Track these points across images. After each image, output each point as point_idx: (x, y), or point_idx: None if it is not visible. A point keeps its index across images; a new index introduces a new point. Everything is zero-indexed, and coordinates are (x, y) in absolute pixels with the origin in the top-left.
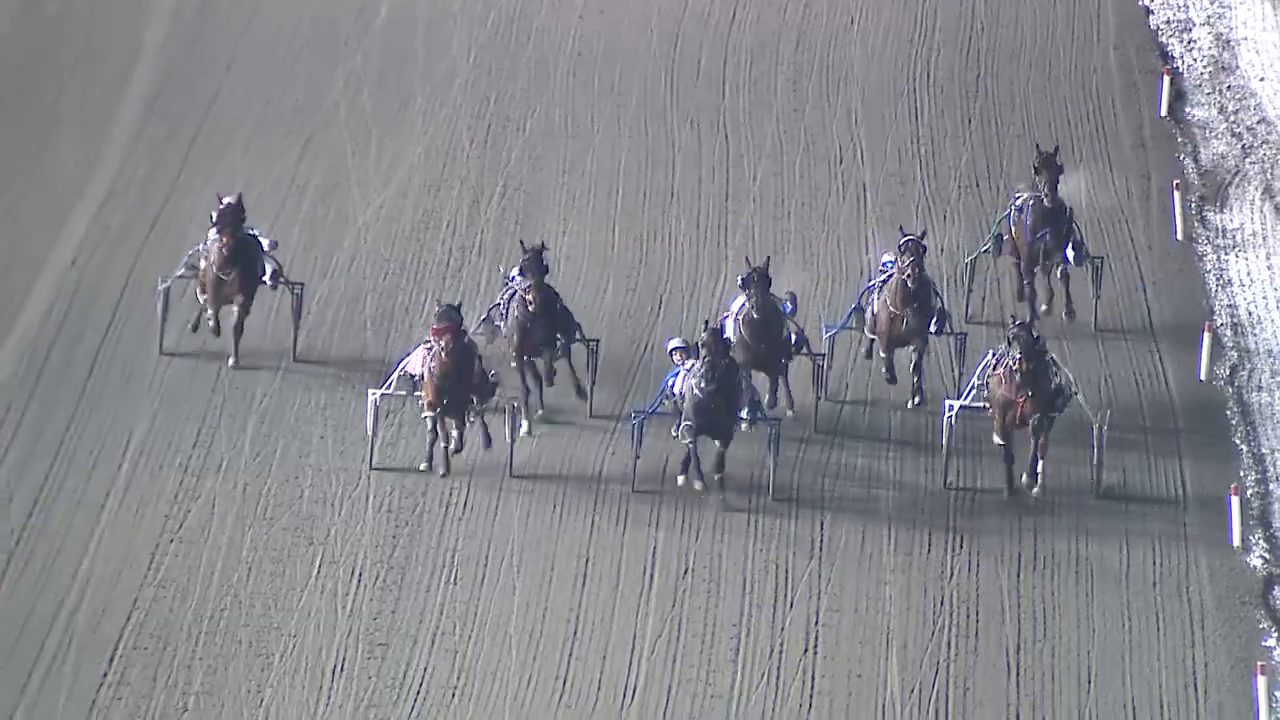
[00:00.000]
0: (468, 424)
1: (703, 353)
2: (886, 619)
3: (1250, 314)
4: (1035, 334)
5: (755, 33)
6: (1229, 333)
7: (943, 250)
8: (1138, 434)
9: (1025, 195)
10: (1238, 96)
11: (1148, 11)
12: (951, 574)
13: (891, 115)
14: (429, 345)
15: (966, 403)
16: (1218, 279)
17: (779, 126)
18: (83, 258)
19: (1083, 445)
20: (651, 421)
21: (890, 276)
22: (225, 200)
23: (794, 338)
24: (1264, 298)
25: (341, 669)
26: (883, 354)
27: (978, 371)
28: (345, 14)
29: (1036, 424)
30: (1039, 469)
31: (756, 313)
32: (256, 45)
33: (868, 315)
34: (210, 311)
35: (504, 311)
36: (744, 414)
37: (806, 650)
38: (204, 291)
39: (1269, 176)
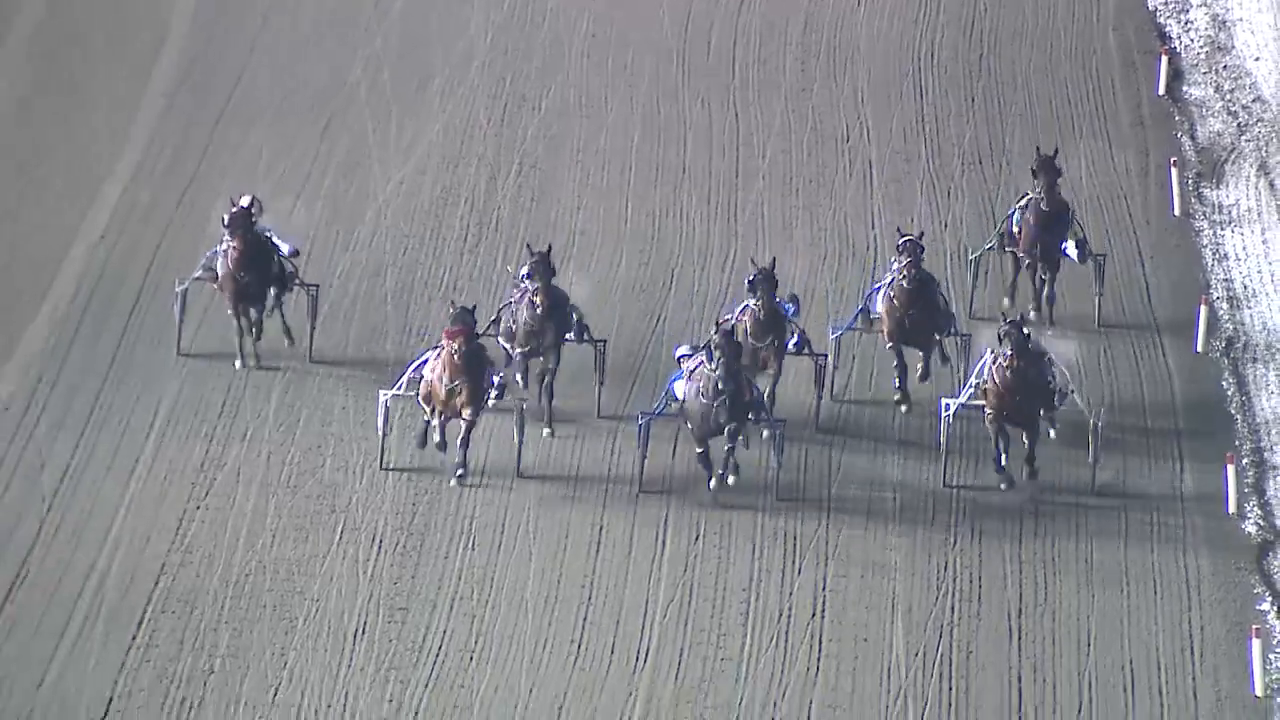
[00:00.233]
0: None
1: (716, 354)
2: (892, 584)
3: (1245, 288)
4: (1027, 332)
5: (764, 14)
6: (1225, 306)
7: (946, 226)
8: (1135, 405)
9: (1028, 196)
10: (1233, 76)
11: None
12: (955, 541)
13: (897, 94)
14: (440, 348)
15: (964, 401)
16: (1214, 253)
17: (787, 106)
18: (112, 233)
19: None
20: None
21: (894, 278)
22: (238, 203)
23: (796, 339)
24: (1259, 272)
25: (363, 632)
26: (889, 348)
27: (975, 370)
28: None
29: (1028, 421)
30: (1034, 463)
31: (762, 314)
32: (279, 29)
33: (874, 316)
34: (237, 323)
35: (513, 313)
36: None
37: (814, 615)
38: (223, 293)
39: (1264, 154)
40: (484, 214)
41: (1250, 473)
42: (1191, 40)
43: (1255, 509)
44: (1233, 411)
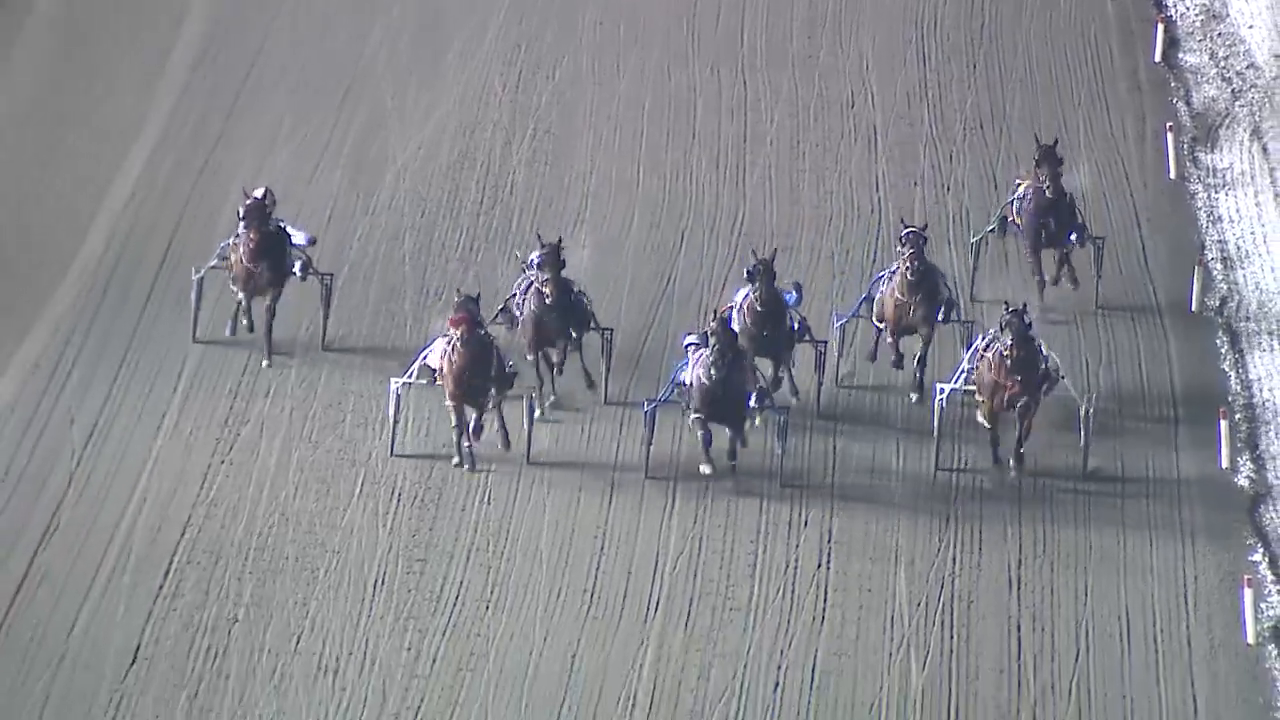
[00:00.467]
0: (486, 414)
1: (711, 341)
2: (895, 537)
3: (1239, 248)
4: (1027, 321)
5: None
6: (1219, 266)
7: (948, 189)
8: (1132, 362)
9: (1027, 184)
10: (1228, 43)
11: None
12: (956, 495)
13: (900, 62)
14: (448, 337)
15: (957, 386)
16: (1208, 215)
17: (794, 72)
18: (138, 197)
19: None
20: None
21: (897, 267)
22: (252, 195)
23: (797, 326)
24: (1252, 233)
25: (382, 583)
26: (889, 340)
27: (968, 356)
28: None
29: (1023, 408)
30: (1021, 451)
31: (761, 303)
32: (299, 0)
33: (876, 303)
34: (244, 303)
35: (520, 302)
36: (752, 402)
37: (820, 566)
38: (236, 283)
39: (1257, 119)
40: (499, 178)
41: (1243, 427)
42: (1187, 8)
43: (1248, 463)
44: (1226, 368)
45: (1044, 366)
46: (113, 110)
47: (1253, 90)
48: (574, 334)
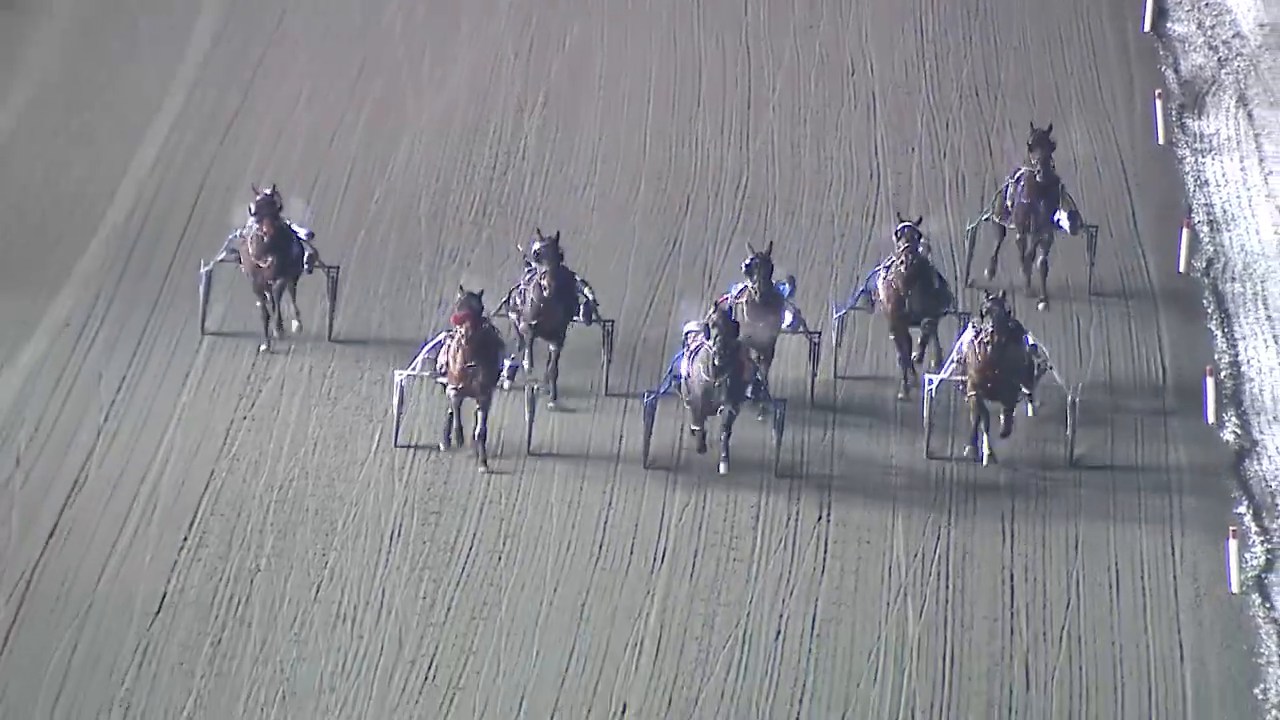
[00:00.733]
0: (489, 411)
1: (713, 333)
2: (893, 491)
3: (1225, 211)
4: (1008, 308)
5: None
6: (1206, 229)
7: (945, 155)
8: (1121, 322)
9: (1021, 169)
10: (1214, 13)
11: None
12: (952, 453)
13: (899, 31)
14: (452, 332)
15: (946, 376)
16: (1195, 180)
17: (796, 41)
18: (162, 164)
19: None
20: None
21: (893, 261)
22: (261, 191)
23: (792, 318)
24: (1237, 197)
25: (399, 534)
26: (890, 336)
27: (956, 345)
28: None
29: (1007, 397)
30: (1008, 434)
31: (759, 297)
32: None
33: (874, 298)
34: (257, 297)
35: (522, 294)
36: (749, 394)
37: (820, 518)
38: (249, 277)
39: (1242, 86)
40: (511, 144)
41: (1228, 385)
42: None
43: (1233, 419)
44: (1212, 327)
45: (1030, 356)
46: (137, 81)
47: (1238, 59)
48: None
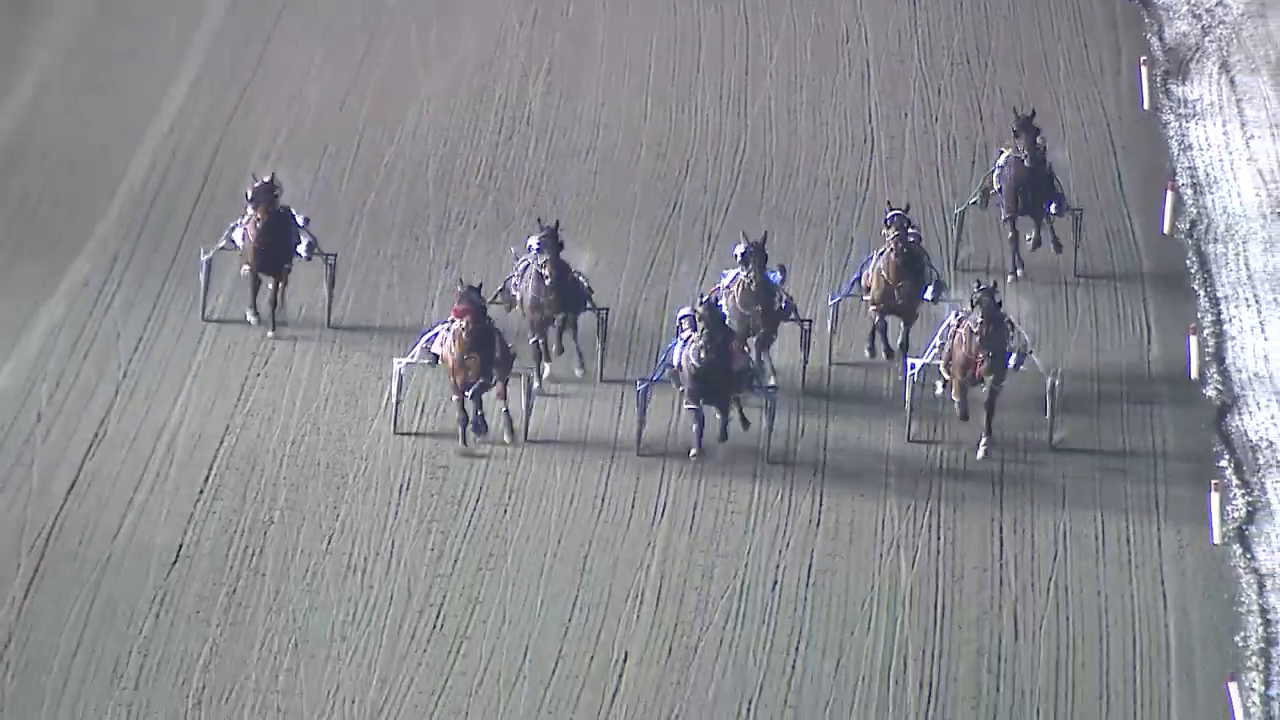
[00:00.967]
0: (489, 401)
1: (700, 325)
2: (886, 447)
3: (1208, 175)
4: (997, 298)
5: None
6: (1189, 192)
7: (936, 120)
8: (1107, 281)
9: (1007, 154)
10: None
11: None
12: (943, 412)
13: (892, 1)
14: (451, 324)
15: (928, 361)
16: (1179, 144)
17: (792, 10)
18: (177, 130)
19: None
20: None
21: (883, 249)
22: (260, 178)
23: (784, 305)
24: (1220, 161)
25: (407, 487)
26: (875, 320)
27: (939, 331)
28: None
29: (993, 383)
30: (989, 428)
31: (753, 285)
32: None
33: (865, 284)
34: (252, 282)
35: (519, 284)
36: (741, 382)
37: (815, 473)
38: (246, 264)
39: (1225, 53)
40: (517, 109)
41: (1211, 342)
42: None
43: (1215, 375)
44: (1195, 287)
45: (1013, 343)
46: (154, 48)
47: (1221, 26)
48: (572, 314)
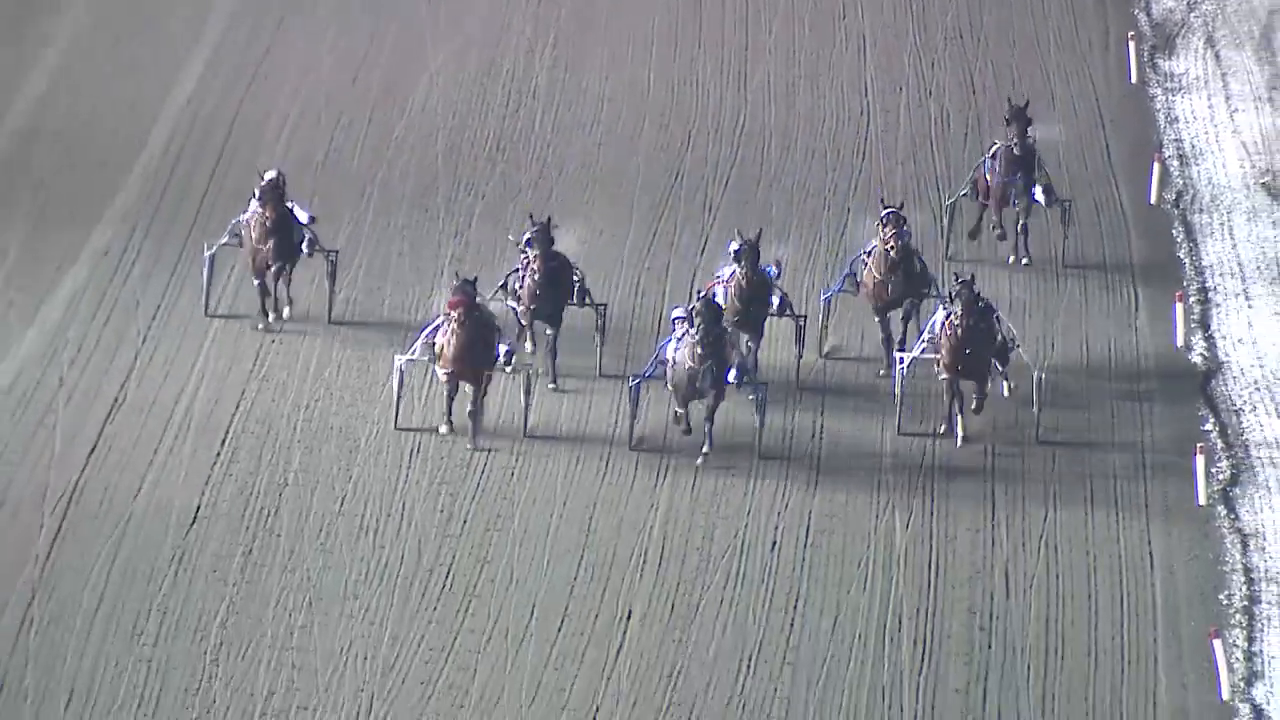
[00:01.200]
0: (482, 396)
1: (697, 321)
2: (882, 411)
3: (1193, 147)
4: (978, 291)
5: None
6: (1175, 163)
7: (930, 93)
8: (1096, 250)
9: (998, 144)
10: None
11: None
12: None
13: None
14: (447, 316)
15: (917, 354)
16: (1166, 117)
17: None
18: (195, 103)
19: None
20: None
21: (876, 246)
22: (266, 176)
23: (778, 301)
24: (1205, 133)
25: (417, 451)
26: (875, 318)
27: (928, 325)
28: None
29: (979, 376)
30: (975, 411)
31: (747, 281)
32: None
33: (859, 282)
34: (255, 280)
35: (519, 279)
36: (731, 378)
37: (813, 436)
38: (249, 260)
39: (1210, 28)
40: (523, 83)
41: (1196, 310)
42: None
43: (1200, 342)
44: (1181, 256)
45: (1000, 335)
46: (171, 25)
47: (1206, 2)
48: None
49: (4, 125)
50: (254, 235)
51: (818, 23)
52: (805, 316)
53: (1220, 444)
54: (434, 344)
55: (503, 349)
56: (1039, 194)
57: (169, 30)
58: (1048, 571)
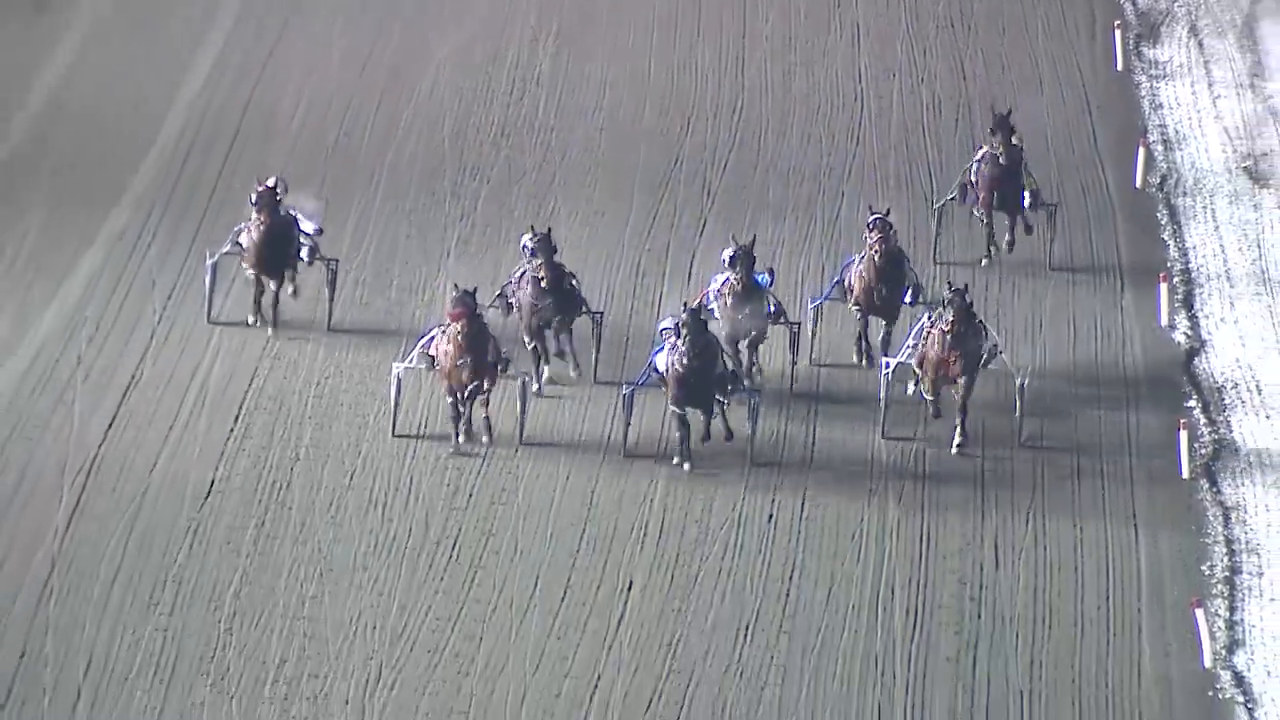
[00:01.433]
0: (480, 405)
1: (683, 331)
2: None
3: (1177, 132)
4: (968, 298)
5: None
6: (1160, 148)
7: (922, 80)
8: (1082, 232)
9: (985, 150)
10: None
11: None
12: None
13: None
14: (446, 327)
15: (902, 359)
16: (1151, 103)
17: None
18: (208, 90)
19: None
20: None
21: (865, 253)
22: (264, 183)
23: (772, 308)
24: (1189, 119)
25: (425, 426)
26: (856, 321)
27: (913, 331)
28: None
29: (965, 381)
30: (963, 423)
31: (740, 288)
32: None
33: (847, 288)
34: (256, 287)
35: (516, 289)
36: (724, 392)
37: (810, 412)
38: (249, 267)
39: (1194, 17)
40: (527, 70)
41: (1180, 290)
42: None
43: (1184, 321)
44: (1166, 238)
45: (984, 342)
46: (186, 12)
47: None
48: (564, 318)
49: (25, 111)
50: (255, 243)
51: (813, 11)
52: (799, 323)
53: (1203, 419)
54: (431, 355)
55: (501, 356)
56: (1026, 199)
57: (184, 19)
58: (1035, 543)
